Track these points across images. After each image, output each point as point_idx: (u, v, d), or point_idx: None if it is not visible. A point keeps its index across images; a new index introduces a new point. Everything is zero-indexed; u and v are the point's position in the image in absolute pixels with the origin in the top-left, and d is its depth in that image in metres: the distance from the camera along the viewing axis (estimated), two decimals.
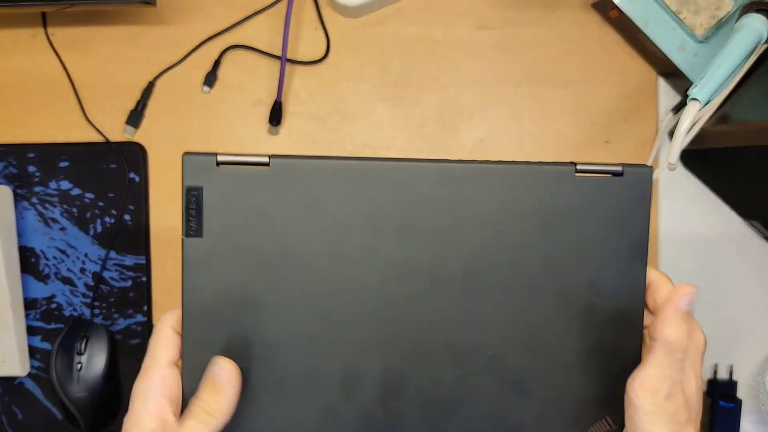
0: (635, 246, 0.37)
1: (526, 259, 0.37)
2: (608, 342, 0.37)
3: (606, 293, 0.37)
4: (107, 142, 0.57)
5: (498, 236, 0.37)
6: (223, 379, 0.34)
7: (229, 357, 0.35)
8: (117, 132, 0.57)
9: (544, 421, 0.37)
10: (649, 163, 0.56)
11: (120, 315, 0.57)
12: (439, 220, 0.36)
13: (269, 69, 0.57)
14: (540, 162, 0.37)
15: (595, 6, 0.56)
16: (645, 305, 0.37)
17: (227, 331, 0.35)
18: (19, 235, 0.56)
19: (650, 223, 0.37)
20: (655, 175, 0.53)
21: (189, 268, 0.35)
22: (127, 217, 0.57)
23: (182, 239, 0.35)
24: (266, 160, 0.35)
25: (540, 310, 0.37)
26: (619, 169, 0.36)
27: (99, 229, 0.57)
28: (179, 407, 0.35)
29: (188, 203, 0.35)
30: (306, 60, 0.57)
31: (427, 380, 0.37)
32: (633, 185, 0.37)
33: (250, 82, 0.57)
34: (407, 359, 0.37)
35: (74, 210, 0.57)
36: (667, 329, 0.33)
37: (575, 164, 0.36)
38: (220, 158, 0.35)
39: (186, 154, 0.35)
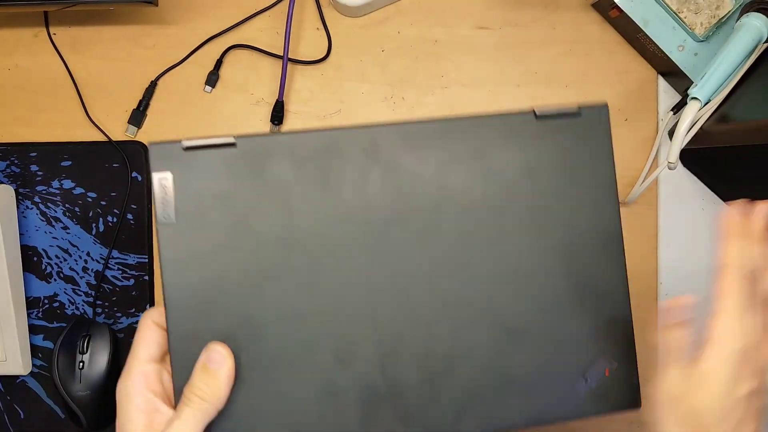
0: (603, 180, 0.38)
1: (504, 207, 0.38)
2: (593, 279, 0.38)
3: (583, 230, 0.38)
4: (109, 142, 0.57)
5: (474, 187, 0.37)
6: (215, 361, 0.34)
7: (217, 340, 0.34)
8: (119, 131, 0.58)
9: (542, 366, 0.38)
10: (649, 163, 0.56)
11: (122, 314, 0.57)
12: (414, 178, 0.37)
13: (271, 68, 0.57)
14: (501, 112, 0.38)
15: (595, 6, 0.56)
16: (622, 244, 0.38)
17: (212, 314, 0.35)
18: (22, 234, 0.57)
19: (614, 160, 0.38)
20: (654, 175, 0.53)
21: (166, 254, 0.35)
22: (129, 216, 0.57)
23: (155, 228, 0.35)
24: (232, 140, 0.35)
25: (524, 255, 0.38)
26: (576, 109, 0.38)
27: (101, 228, 0.57)
28: (171, 399, 0.35)
29: (158, 190, 0.35)
30: (307, 59, 0.57)
31: (422, 338, 0.37)
32: (591, 123, 0.38)
33: (251, 82, 0.58)
34: (399, 320, 0.37)
35: (76, 209, 0.57)
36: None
37: (534, 110, 0.38)
38: (185, 143, 0.35)
39: (151, 143, 0.35)
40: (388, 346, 0.36)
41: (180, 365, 0.35)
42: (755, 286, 0.33)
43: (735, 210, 0.35)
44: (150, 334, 0.36)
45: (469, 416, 0.37)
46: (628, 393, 0.38)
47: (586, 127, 0.38)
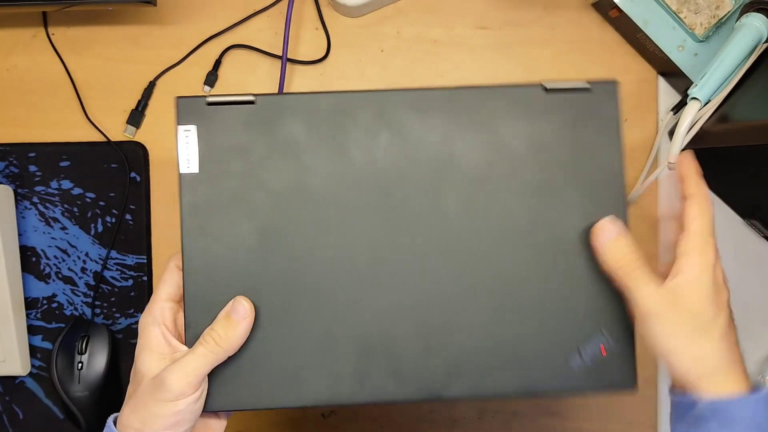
0: (610, 155, 0.38)
1: (508, 176, 0.38)
2: (597, 257, 0.38)
3: (588, 204, 0.38)
4: (108, 142, 0.57)
5: (479, 155, 0.38)
6: (239, 314, 0.37)
7: (229, 287, 0.38)
8: (118, 131, 0.58)
9: (536, 336, 0.38)
10: (649, 163, 0.56)
11: (121, 314, 0.57)
12: (421, 142, 0.38)
13: (270, 69, 0.57)
14: (511, 84, 0.38)
15: (595, 6, 0.56)
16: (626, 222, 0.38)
17: (224, 260, 0.38)
18: (20, 234, 0.56)
19: (622, 136, 0.38)
20: (654, 175, 0.53)
21: (186, 201, 0.38)
22: (128, 216, 0.57)
23: (179, 175, 0.38)
24: (252, 98, 0.38)
25: (526, 226, 0.38)
26: (585, 84, 0.38)
27: (100, 228, 0.57)
28: (182, 336, 0.38)
29: (182, 142, 0.38)
30: (307, 60, 0.57)
31: (421, 300, 0.38)
32: (601, 99, 0.38)
33: (250, 82, 0.58)
34: (399, 280, 0.38)
35: (75, 209, 0.57)
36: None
37: (543, 83, 0.38)
38: (209, 99, 0.38)
39: (178, 97, 0.38)
40: (387, 303, 0.38)
41: (192, 305, 0.38)
42: None
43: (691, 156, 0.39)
44: (171, 276, 0.39)
45: (459, 380, 0.38)
46: (624, 373, 0.38)
47: (595, 102, 0.38)
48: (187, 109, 0.38)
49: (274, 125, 0.38)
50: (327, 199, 0.38)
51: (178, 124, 0.38)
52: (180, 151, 0.38)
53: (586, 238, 0.38)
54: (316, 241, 0.38)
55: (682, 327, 0.35)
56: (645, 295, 0.36)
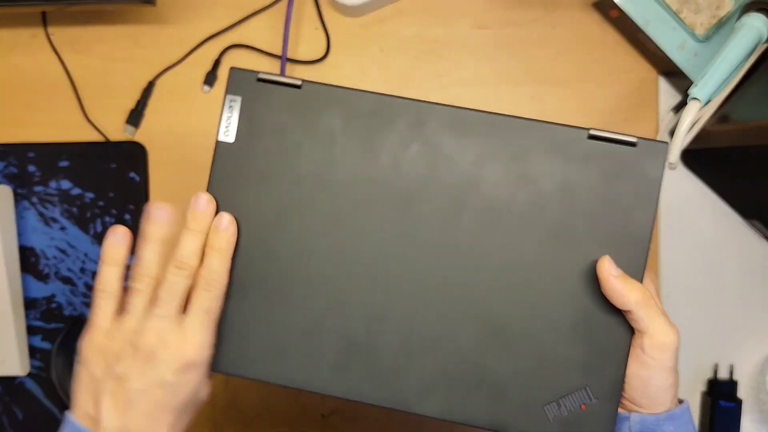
0: (641, 219, 0.37)
1: (529, 215, 0.37)
2: (599, 313, 0.37)
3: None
4: (107, 142, 0.57)
5: (505, 186, 0.37)
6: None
7: (240, 254, 0.39)
8: (117, 131, 0.57)
9: (519, 376, 0.37)
10: None
11: None
12: (449, 161, 0.38)
13: (270, 68, 0.57)
14: (555, 122, 0.37)
15: (595, 6, 0.56)
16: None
17: (240, 228, 0.39)
18: (19, 234, 0.56)
19: (657, 204, 0.37)
20: None
21: (217, 168, 0.39)
22: (127, 216, 0.57)
23: (216, 142, 0.39)
24: (299, 83, 0.39)
25: (535, 266, 0.37)
26: (633, 139, 0.37)
27: (99, 228, 0.57)
28: None
29: (226, 111, 0.39)
30: (306, 59, 0.57)
31: (413, 311, 0.38)
32: (645, 158, 0.37)
33: None
34: (396, 288, 0.38)
35: (74, 209, 0.57)
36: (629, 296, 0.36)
37: (588, 129, 0.37)
38: (260, 75, 0.39)
39: (232, 68, 0.39)
40: (380, 307, 0.38)
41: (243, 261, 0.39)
42: None
43: None
44: None
45: (432, 398, 0.37)
46: (597, 429, 0.37)
47: (638, 159, 0.37)
48: (238, 80, 0.39)
49: (315, 113, 0.38)
50: (346, 195, 0.38)
51: (227, 93, 0.39)
52: (222, 118, 0.39)
53: (592, 293, 0.37)
54: (326, 232, 0.38)
55: (675, 364, 0.37)
56: (666, 329, 0.36)
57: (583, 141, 0.37)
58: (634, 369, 0.37)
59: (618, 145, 0.37)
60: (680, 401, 0.38)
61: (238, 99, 0.39)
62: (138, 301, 0.37)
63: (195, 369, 0.36)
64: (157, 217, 0.38)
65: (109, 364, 0.36)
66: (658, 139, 0.53)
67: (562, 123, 0.37)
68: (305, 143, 0.38)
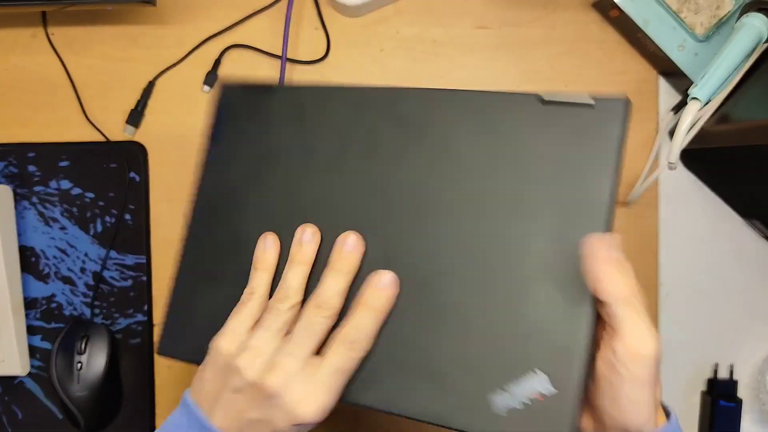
0: (599, 182, 0.33)
1: (489, 185, 0.35)
2: (558, 294, 0.33)
3: (561, 238, 0.33)
4: (107, 142, 0.57)
5: (458, 161, 0.36)
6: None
7: (231, 225, 0.41)
8: (117, 131, 0.57)
9: (468, 357, 0.33)
10: (649, 163, 0.56)
11: (120, 314, 0.57)
12: (412, 140, 0.37)
13: (269, 68, 0.57)
14: (504, 91, 0.36)
15: (595, 5, 0.56)
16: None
17: (221, 216, 0.41)
18: (19, 234, 0.56)
19: (622, 164, 0.33)
20: (654, 175, 0.53)
21: (209, 160, 0.42)
22: (127, 216, 0.57)
23: (206, 146, 0.43)
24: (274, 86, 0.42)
25: (491, 239, 0.34)
26: (589, 100, 0.33)
27: (99, 228, 0.57)
28: None
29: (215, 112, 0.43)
30: (306, 59, 0.57)
31: (353, 288, 0.36)
32: (605, 118, 0.33)
33: None
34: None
35: (74, 209, 0.57)
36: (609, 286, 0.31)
37: (541, 94, 0.35)
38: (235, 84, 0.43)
39: (226, 84, 0.44)
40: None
41: (191, 245, 0.43)
42: None
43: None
44: None
45: (374, 388, 0.35)
46: (559, 424, 0.31)
47: (597, 121, 0.33)
48: (228, 94, 0.44)
49: (288, 110, 0.41)
50: (327, 180, 0.39)
51: (217, 104, 0.44)
52: (212, 118, 0.44)
53: (554, 267, 0.33)
54: (304, 209, 0.39)
55: (652, 379, 0.32)
56: (643, 337, 0.31)
57: (536, 106, 0.34)
58: (604, 370, 0.32)
59: (575, 108, 0.34)
60: (667, 414, 0.34)
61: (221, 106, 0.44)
62: (273, 323, 0.36)
63: (306, 428, 0.34)
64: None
65: (230, 377, 0.35)
66: (656, 139, 0.53)
67: (511, 91, 0.35)
68: (283, 140, 0.40)
